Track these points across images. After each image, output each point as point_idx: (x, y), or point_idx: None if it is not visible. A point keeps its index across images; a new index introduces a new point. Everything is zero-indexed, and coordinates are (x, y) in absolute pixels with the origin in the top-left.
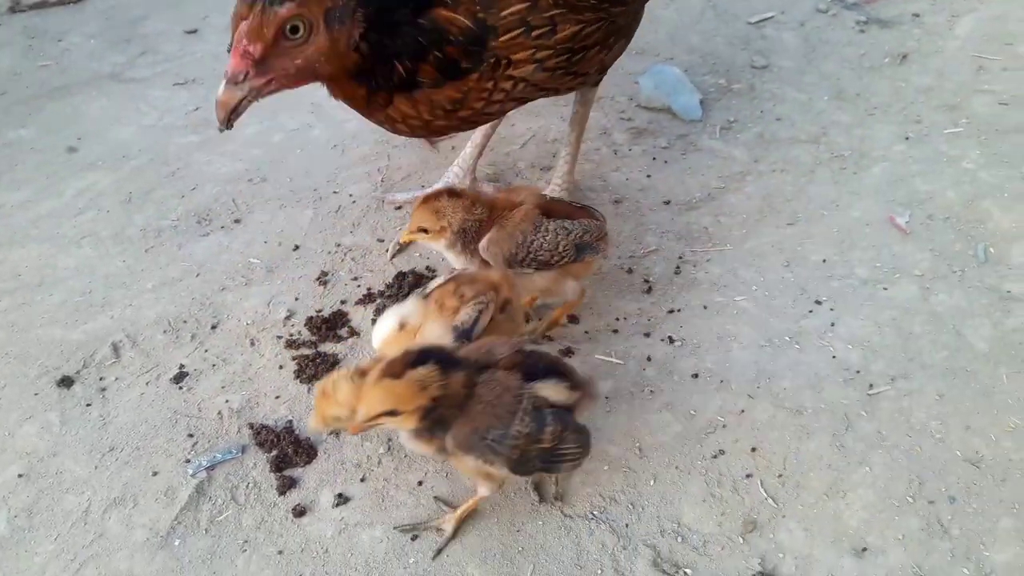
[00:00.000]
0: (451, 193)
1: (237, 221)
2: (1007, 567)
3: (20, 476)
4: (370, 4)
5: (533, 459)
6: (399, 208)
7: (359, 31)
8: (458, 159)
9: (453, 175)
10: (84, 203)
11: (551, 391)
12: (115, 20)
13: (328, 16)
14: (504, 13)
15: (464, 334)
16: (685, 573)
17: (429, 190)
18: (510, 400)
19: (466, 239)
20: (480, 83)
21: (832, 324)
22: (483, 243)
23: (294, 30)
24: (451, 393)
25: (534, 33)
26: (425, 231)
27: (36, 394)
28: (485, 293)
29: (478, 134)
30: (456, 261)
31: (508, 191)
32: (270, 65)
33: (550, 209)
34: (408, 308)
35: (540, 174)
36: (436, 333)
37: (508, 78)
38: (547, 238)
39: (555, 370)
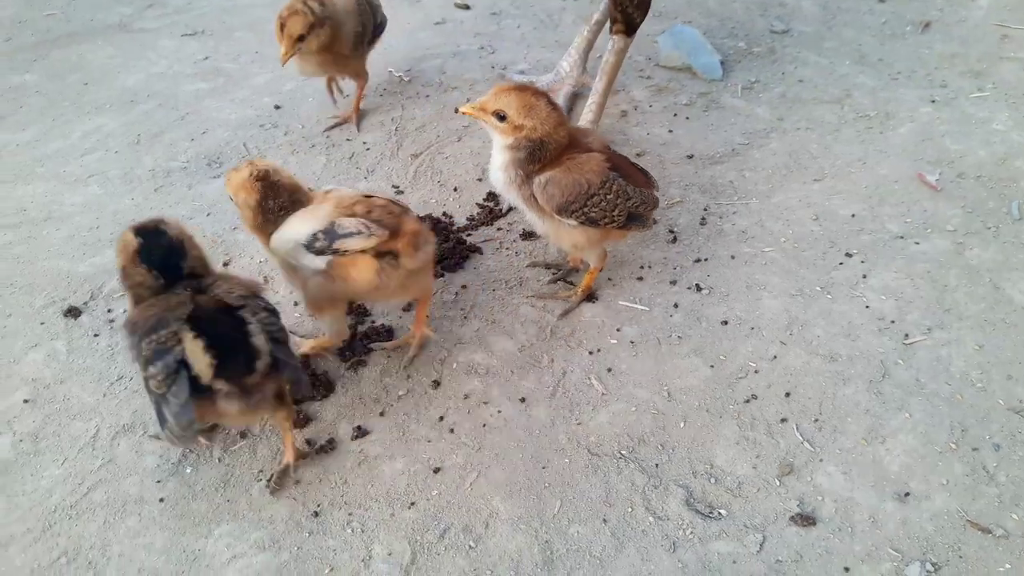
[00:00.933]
0: (551, 102)
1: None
2: None
3: (26, 402)
4: None
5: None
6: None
7: None
8: (566, 54)
9: (562, 69)
10: (91, 144)
11: None
12: None
13: None
14: None
15: (328, 235)
16: (720, 513)
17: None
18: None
19: (537, 153)
20: None
21: (864, 276)
22: (543, 178)
23: None
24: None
25: None
26: (502, 118)
27: (42, 323)
28: (377, 229)
29: (587, 29)
30: (503, 172)
31: (576, 129)
32: None
33: (616, 164)
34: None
35: None
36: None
37: None
38: (608, 198)
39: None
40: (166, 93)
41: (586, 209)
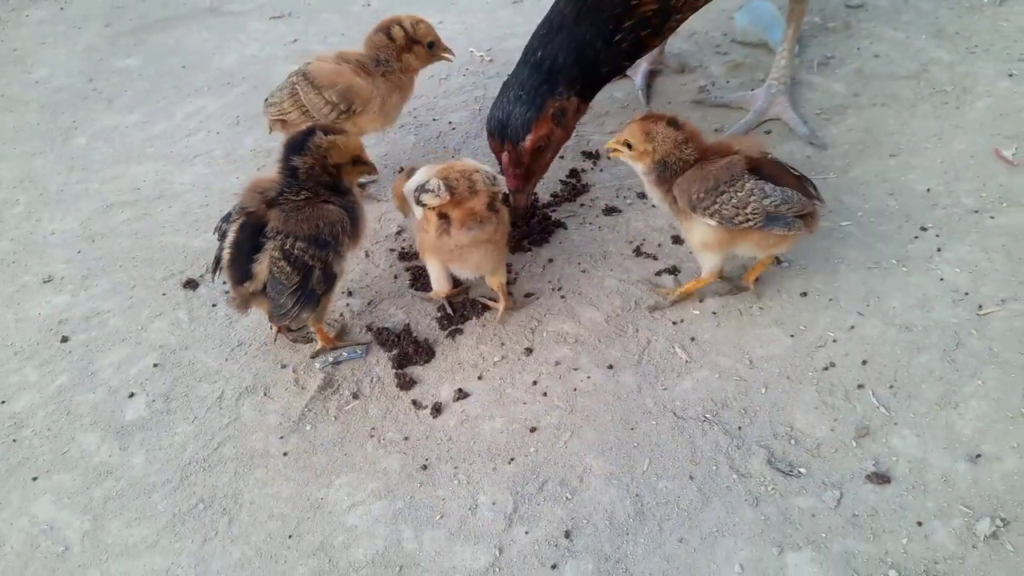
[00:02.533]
0: (671, 122)
1: None
2: None
3: (155, 366)
4: (578, 82)
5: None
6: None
7: (576, 99)
8: None
9: (644, 60)
10: (194, 125)
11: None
12: None
13: (555, 119)
14: None
15: (420, 189)
16: (800, 472)
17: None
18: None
19: (664, 172)
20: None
21: (939, 249)
22: (679, 180)
23: (540, 149)
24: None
25: None
26: (629, 147)
27: (164, 294)
28: (444, 192)
29: None
30: (649, 191)
31: (731, 138)
32: (532, 171)
33: (760, 166)
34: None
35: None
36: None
37: None
38: (739, 194)
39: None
40: (260, 75)
41: (717, 205)
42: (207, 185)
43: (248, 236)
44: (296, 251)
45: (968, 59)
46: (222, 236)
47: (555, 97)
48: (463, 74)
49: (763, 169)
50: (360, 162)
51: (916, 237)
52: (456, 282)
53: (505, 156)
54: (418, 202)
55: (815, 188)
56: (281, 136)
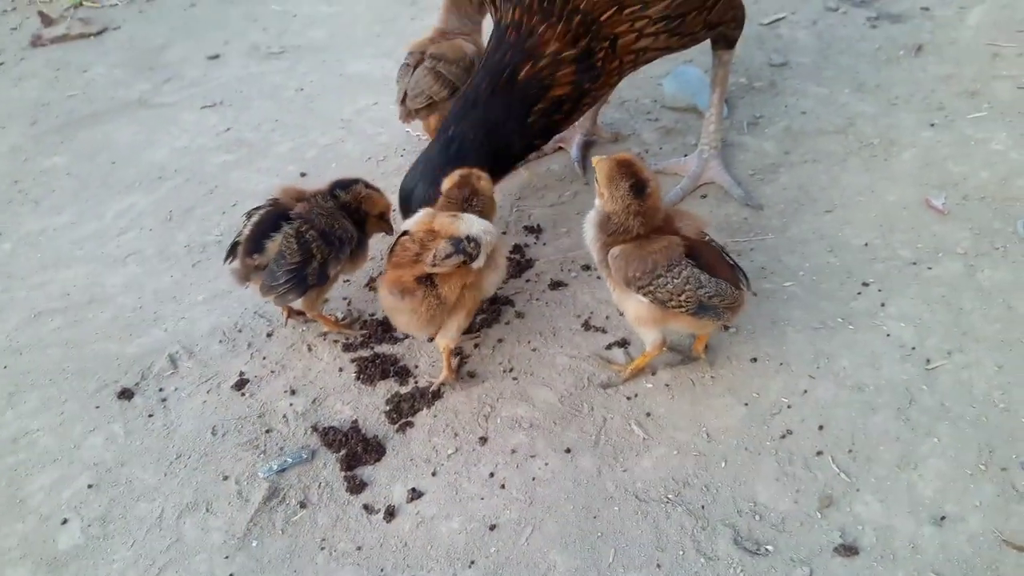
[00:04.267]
0: (637, 185)
1: None
2: None
3: (90, 486)
4: (487, 161)
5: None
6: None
7: None
8: None
9: (578, 131)
10: (125, 223)
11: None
12: (136, 50)
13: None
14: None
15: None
16: (767, 549)
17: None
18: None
19: (606, 224)
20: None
21: (882, 304)
22: (616, 250)
23: None
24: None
25: (626, 12)
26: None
27: (97, 407)
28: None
29: None
30: (588, 222)
31: (675, 213)
32: None
33: (699, 251)
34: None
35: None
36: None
37: (628, 53)
38: (675, 280)
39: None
40: (192, 167)
41: (653, 288)
42: (140, 286)
43: (271, 219)
44: (308, 236)
45: (891, 111)
46: (248, 216)
47: None
48: (401, 154)
49: (700, 255)
50: (383, 219)
51: (859, 293)
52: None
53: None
54: None
55: (746, 278)
56: (419, 127)
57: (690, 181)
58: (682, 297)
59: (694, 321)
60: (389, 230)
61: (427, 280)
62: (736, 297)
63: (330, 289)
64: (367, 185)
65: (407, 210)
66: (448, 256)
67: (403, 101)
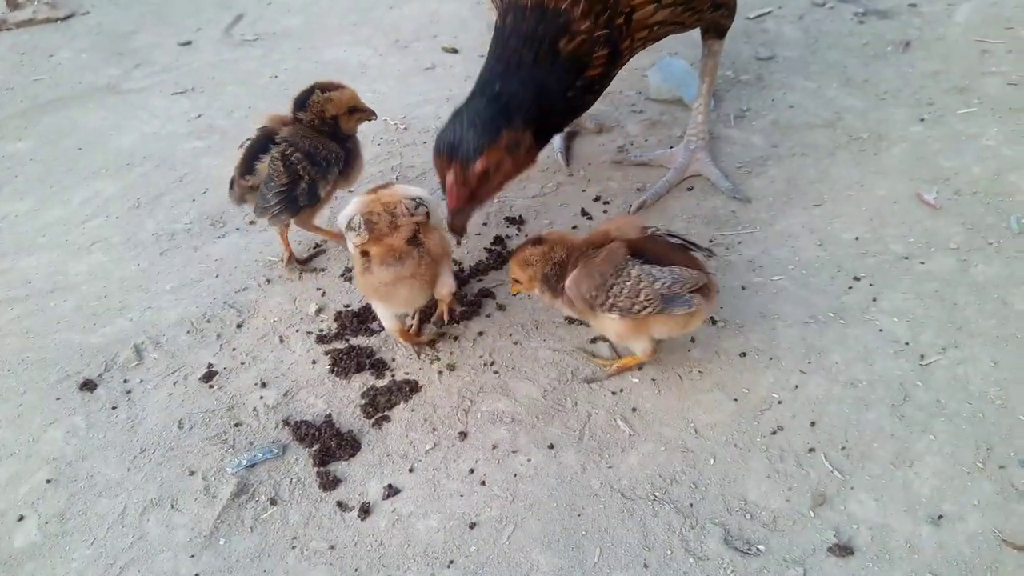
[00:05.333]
0: (536, 242)
1: (252, 223)
2: None
3: (49, 482)
4: (534, 123)
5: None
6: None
7: (531, 137)
8: None
9: None
10: (91, 210)
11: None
12: (105, 35)
13: (509, 149)
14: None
15: (349, 223)
16: (758, 549)
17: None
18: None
19: (549, 283)
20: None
21: (874, 299)
22: (568, 281)
23: (487, 175)
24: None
25: None
26: (519, 281)
27: (58, 399)
28: (364, 232)
29: None
30: (550, 305)
31: (606, 224)
32: (475, 196)
33: (642, 249)
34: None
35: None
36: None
37: (641, 28)
38: (628, 283)
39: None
40: (162, 154)
41: (611, 299)
42: (106, 274)
43: (260, 142)
44: (293, 159)
45: (880, 106)
46: (241, 146)
47: (512, 129)
48: (377, 143)
49: (646, 250)
50: (356, 110)
51: (850, 288)
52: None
53: (450, 176)
54: (347, 236)
55: (707, 251)
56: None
57: (676, 173)
58: (640, 297)
59: (670, 319)
60: (370, 115)
61: (414, 240)
62: (698, 278)
63: (326, 205)
64: (322, 89)
65: (449, 163)
66: (418, 207)
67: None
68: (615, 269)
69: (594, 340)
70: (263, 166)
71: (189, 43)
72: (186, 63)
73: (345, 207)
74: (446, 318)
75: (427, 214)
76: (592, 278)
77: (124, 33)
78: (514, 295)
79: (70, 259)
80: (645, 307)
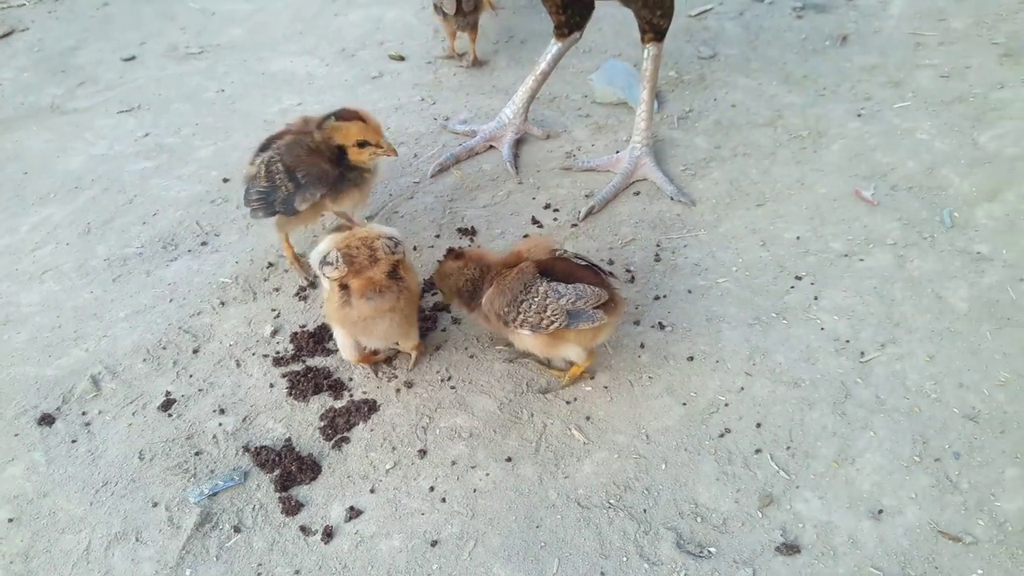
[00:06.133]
0: (455, 256)
1: (204, 244)
2: (1019, 515)
3: (11, 520)
4: None
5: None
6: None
7: None
8: (511, 100)
9: (505, 116)
10: (41, 237)
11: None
12: (46, 52)
13: None
14: None
15: (324, 260)
16: (709, 552)
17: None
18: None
19: (464, 298)
20: None
21: (815, 297)
22: (484, 299)
23: None
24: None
25: None
26: (443, 294)
27: (16, 435)
28: (342, 266)
29: (531, 78)
30: (469, 319)
31: (520, 244)
32: None
33: (550, 268)
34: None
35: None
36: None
37: None
38: (536, 299)
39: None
40: (110, 175)
41: (521, 315)
42: (58, 304)
43: (267, 141)
44: (274, 168)
45: (819, 102)
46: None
47: None
48: None
49: (554, 270)
50: (367, 144)
51: (792, 287)
52: None
53: None
54: (321, 273)
55: (608, 273)
56: None
57: (622, 178)
58: (547, 312)
59: (578, 333)
60: (385, 151)
61: (394, 274)
62: (600, 295)
63: (310, 220)
64: (338, 116)
65: None
66: (397, 245)
67: (457, 11)
68: (524, 287)
69: (516, 358)
70: (251, 167)
71: (133, 58)
72: (131, 79)
73: (319, 244)
74: (411, 365)
75: (404, 253)
76: (504, 295)
77: (66, 49)
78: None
79: (21, 289)
80: (552, 322)
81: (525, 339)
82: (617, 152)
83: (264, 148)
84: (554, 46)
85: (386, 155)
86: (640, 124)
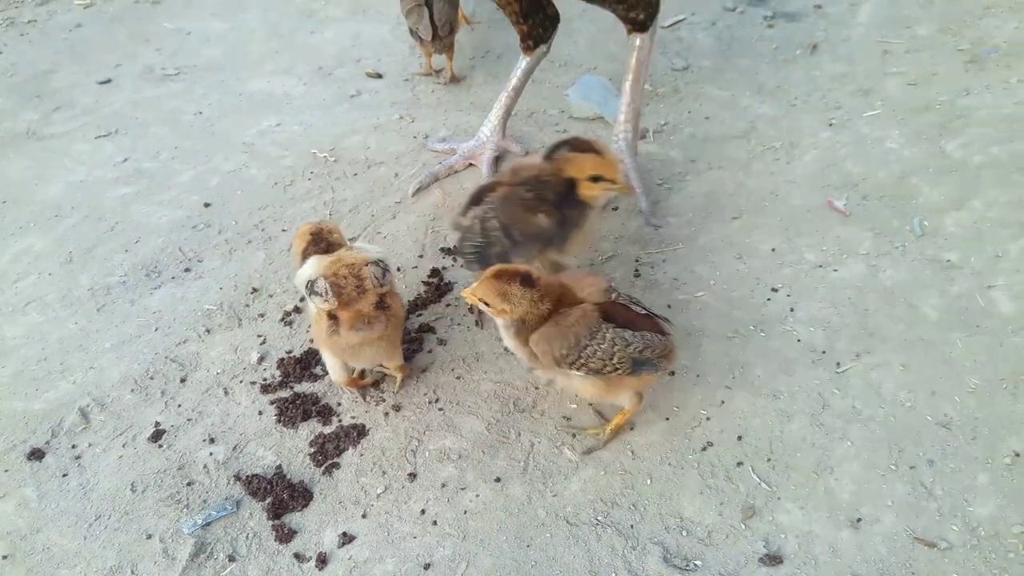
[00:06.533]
0: (525, 280)
1: (187, 270)
2: (991, 519)
3: (5, 557)
4: None
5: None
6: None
7: None
8: (486, 119)
9: (483, 135)
10: (23, 268)
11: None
12: (20, 76)
13: None
14: None
15: (311, 286)
16: (695, 565)
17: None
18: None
19: (523, 328)
20: None
21: (791, 309)
22: (535, 336)
23: None
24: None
25: None
26: (487, 304)
27: (6, 470)
28: (331, 297)
29: (504, 95)
30: (507, 341)
31: (572, 279)
32: None
33: (612, 313)
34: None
35: None
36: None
37: None
38: (602, 346)
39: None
40: (90, 203)
41: (583, 359)
42: (43, 336)
43: (480, 191)
44: (488, 225)
45: (791, 113)
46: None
47: None
48: (308, 177)
49: (616, 316)
50: (601, 179)
51: (768, 299)
52: None
53: None
54: (308, 298)
55: (666, 320)
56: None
57: None
58: (614, 360)
59: (636, 380)
60: (620, 188)
61: (381, 304)
62: (666, 343)
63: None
64: (572, 147)
65: None
66: (385, 274)
67: (434, 37)
68: (589, 332)
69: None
70: (465, 219)
71: (108, 81)
72: (107, 103)
73: (304, 267)
74: (397, 387)
75: (392, 283)
76: (566, 338)
77: (40, 73)
78: (466, 300)
79: (5, 322)
80: (616, 369)
81: (578, 381)
82: None
83: (476, 201)
84: (523, 61)
85: (620, 192)
86: (621, 118)
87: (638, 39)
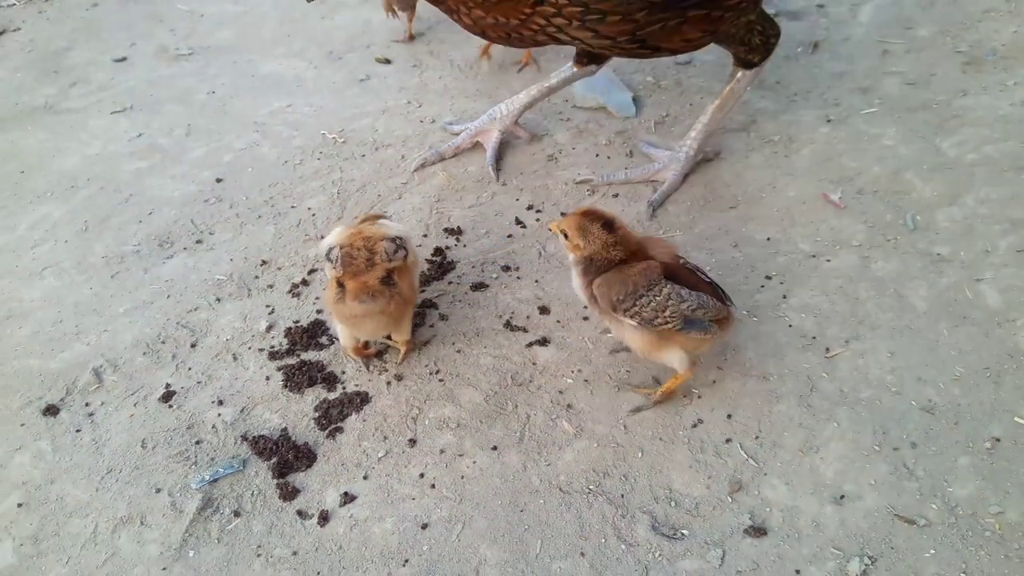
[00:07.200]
0: (607, 224)
1: (199, 242)
2: (970, 500)
3: (20, 505)
4: None
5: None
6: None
7: None
8: (510, 100)
9: (498, 111)
10: (40, 235)
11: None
12: (38, 53)
13: None
14: None
15: (328, 254)
16: (683, 534)
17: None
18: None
19: (590, 267)
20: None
21: (784, 296)
22: (598, 280)
23: None
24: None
25: None
26: (566, 236)
27: (23, 425)
28: (338, 265)
29: (537, 89)
30: (573, 279)
31: (647, 240)
32: None
33: (675, 273)
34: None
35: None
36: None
37: (552, 14)
38: (657, 298)
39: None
40: (106, 175)
41: (637, 308)
42: (59, 299)
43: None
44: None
45: (790, 108)
46: None
47: None
48: (317, 157)
49: (678, 276)
50: None
51: (762, 286)
52: None
53: None
54: (325, 263)
55: (725, 293)
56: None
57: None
58: (666, 313)
59: (686, 340)
60: None
61: (388, 279)
62: (721, 309)
63: None
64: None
65: None
66: (396, 251)
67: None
68: (648, 283)
69: (530, 345)
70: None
71: (124, 59)
72: (122, 80)
73: (327, 237)
74: (400, 359)
75: (404, 257)
76: (625, 285)
77: (58, 50)
78: (551, 229)
79: (22, 285)
80: (667, 322)
81: (629, 331)
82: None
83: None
84: (569, 70)
85: None
86: (696, 128)
87: (740, 72)
